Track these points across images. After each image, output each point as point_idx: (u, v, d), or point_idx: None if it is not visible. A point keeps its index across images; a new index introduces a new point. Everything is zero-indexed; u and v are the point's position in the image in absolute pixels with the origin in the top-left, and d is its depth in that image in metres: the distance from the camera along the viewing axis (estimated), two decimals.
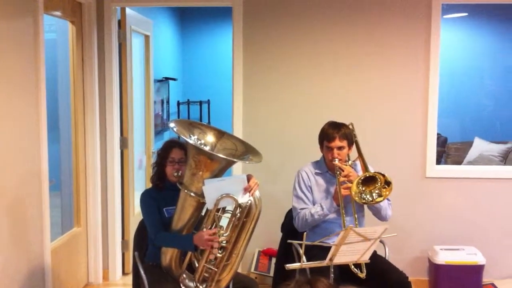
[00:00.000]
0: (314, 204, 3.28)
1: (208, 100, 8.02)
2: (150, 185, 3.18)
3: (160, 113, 6.44)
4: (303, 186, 3.32)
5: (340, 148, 3.20)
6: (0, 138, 2.95)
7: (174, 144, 3.08)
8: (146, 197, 3.07)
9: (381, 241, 3.12)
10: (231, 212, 2.88)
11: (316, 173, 3.35)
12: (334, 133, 3.22)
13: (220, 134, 3.02)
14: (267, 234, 3.91)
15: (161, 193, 3.06)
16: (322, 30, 4.16)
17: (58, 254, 3.76)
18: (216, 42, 8.07)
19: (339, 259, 2.71)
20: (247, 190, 2.81)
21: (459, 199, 4.23)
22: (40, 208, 3.40)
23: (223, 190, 2.79)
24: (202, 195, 2.82)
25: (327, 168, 3.32)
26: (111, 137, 4.30)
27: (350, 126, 3.33)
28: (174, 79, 7.17)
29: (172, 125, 2.86)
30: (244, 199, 2.82)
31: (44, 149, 3.40)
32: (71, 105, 4.16)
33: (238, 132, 4.21)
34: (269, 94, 4.24)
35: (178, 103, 7.48)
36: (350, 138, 3.25)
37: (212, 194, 2.78)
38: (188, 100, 7.63)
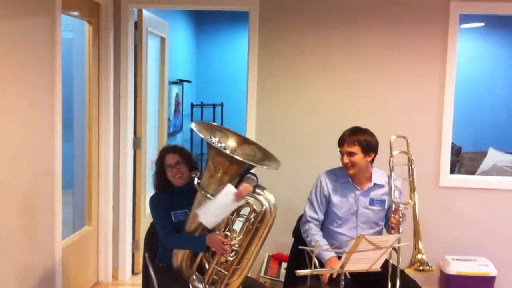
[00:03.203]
0: (324, 215, 3.27)
1: (222, 103, 8.02)
2: None
3: (174, 115, 6.45)
4: (319, 193, 3.29)
5: (350, 154, 3.15)
6: (15, 136, 2.97)
7: (166, 150, 3.13)
8: (156, 199, 3.09)
9: (394, 249, 3.10)
10: (245, 216, 2.88)
11: (336, 179, 3.30)
12: (344, 136, 3.20)
13: (242, 140, 3.03)
14: (277, 238, 3.88)
15: (170, 197, 3.08)
16: (338, 37, 4.15)
17: (69, 253, 3.77)
18: (231, 45, 8.07)
19: (350, 267, 2.69)
20: (238, 196, 2.79)
21: (472, 209, 4.20)
22: (52, 207, 3.42)
23: (217, 212, 2.78)
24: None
25: (344, 174, 3.28)
26: (125, 137, 4.32)
27: (406, 141, 3.25)
28: (188, 81, 7.18)
29: (193, 125, 2.88)
30: (239, 203, 2.81)
31: (58, 148, 3.41)
32: (85, 104, 4.18)
33: (251, 136, 4.20)
34: (283, 99, 4.24)
35: (192, 105, 7.48)
36: (368, 145, 3.16)
37: (210, 220, 2.80)
38: (202, 102, 7.63)
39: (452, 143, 4.27)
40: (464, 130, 7.24)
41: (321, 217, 3.28)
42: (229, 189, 2.79)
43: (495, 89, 7.59)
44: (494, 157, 6.79)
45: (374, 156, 3.23)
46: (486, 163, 6.75)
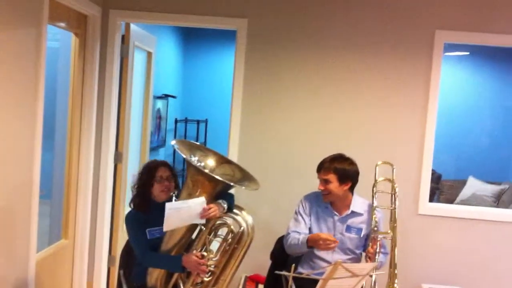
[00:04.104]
0: (309, 230, 3.27)
1: (206, 119, 8.03)
2: None
3: (157, 130, 6.43)
4: (302, 211, 3.30)
5: (325, 181, 3.16)
6: None
7: (159, 163, 3.08)
8: (132, 217, 3.04)
9: (370, 276, 3.09)
10: (222, 236, 2.87)
11: (316, 203, 3.31)
12: (323, 163, 3.21)
13: (221, 160, 3.04)
14: (255, 259, 3.86)
15: (145, 215, 3.03)
16: (323, 62, 4.18)
17: (44, 265, 3.71)
18: (217, 63, 8.11)
19: None
20: (204, 212, 2.78)
21: (450, 238, 4.22)
22: (29, 219, 3.37)
23: (182, 216, 2.78)
24: None
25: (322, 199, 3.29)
26: (106, 150, 4.28)
27: (392, 168, 3.26)
28: (173, 97, 7.18)
29: (173, 143, 2.88)
30: (200, 221, 2.82)
31: (37, 160, 3.37)
32: (68, 115, 4.15)
33: (233, 155, 4.20)
34: (267, 120, 4.24)
35: (176, 121, 7.47)
36: (345, 174, 3.16)
37: (172, 219, 2.78)
38: (186, 118, 7.62)
39: (433, 170, 4.30)
40: (445, 158, 7.32)
41: (305, 230, 3.27)
42: (202, 200, 2.78)
43: (477, 117, 7.68)
44: (473, 186, 6.86)
45: (353, 185, 3.23)
46: (465, 192, 6.81)
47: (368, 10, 4.13)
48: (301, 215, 3.30)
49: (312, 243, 3.10)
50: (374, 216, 3.17)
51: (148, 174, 3.04)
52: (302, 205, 3.33)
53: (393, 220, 3.17)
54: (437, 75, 4.14)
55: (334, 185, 3.16)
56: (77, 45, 4.05)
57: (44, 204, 3.96)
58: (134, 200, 3.08)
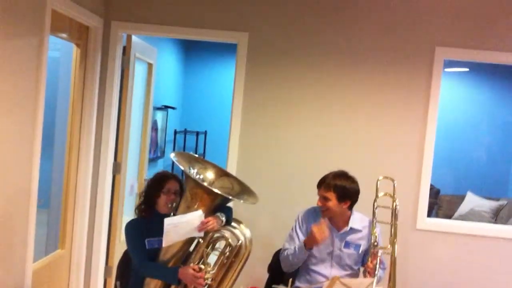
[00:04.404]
0: None
1: (205, 131, 8.04)
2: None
3: (156, 141, 6.43)
4: (298, 228, 3.29)
5: (324, 198, 3.15)
6: None
7: (170, 175, 3.09)
8: (131, 226, 3.05)
9: None
10: (220, 250, 2.87)
11: (315, 219, 3.28)
12: (323, 179, 3.20)
13: (220, 172, 3.04)
14: (252, 272, 3.85)
15: (146, 224, 3.04)
16: (324, 76, 4.20)
17: (40, 276, 3.70)
18: (217, 75, 8.15)
19: None
20: (202, 225, 2.79)
21: (448, 254, 4.21)
22: (26, 228, 3.36)
23: (180, 231, 2.79)
24: None
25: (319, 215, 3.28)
26: (105, 161, 4.28)
27: (393, 184, 3.27)
28: (173, 108, 7.20)
29: (172, 155, 2.88)
30: (198, 234, 2.83)
31: (35, 169, 3.37)
32: (68, 125, 4.15)
33: (232, 168, 4.20)
34: (266, 133, 4.25)
35: (175, 132, 7.48)
36: (344, 193, 3.14)
37: (171, 234, 2.79)
38: (185, 129, 7.63)
39: (431, 185, 4.30)
40: (444, 173, 7.33)
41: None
42: (199, 214, 2.78)
43: (476, 133, 7.70)
44: (472, 201, 6.86)
45: (352, 204, 3.22)
46: (464, 207, 6.81)
47: (369, 25, 4.16)
48: (296, 232, 3.29)
49: (309, 241, 3.10)
50: (374, 231, 3.16)
51: (157, 184, 3.05)
52: (299, 223, 3.31)
53: (393, 235, 3.16)
54: (437, 91, 4.16)
55: (333, 203, 3.14)
56: (79, 55, 4.07)
57: (42, 213, 3.96)
58: (139, 206, 3.10)
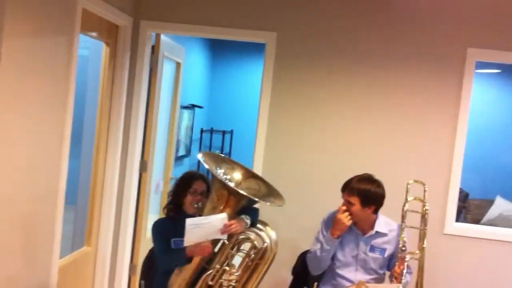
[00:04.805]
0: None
1: (232, 130, 8.04)
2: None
3: (182, 139, 6.46)
4: (324, 231, 3.25)
5: (348, 202, 3.11)
6: (23, 154, 2.97)
7: (197, 175, 3.11)
8: (159, 226, 3.07)
9: None
10: (245, 252, 2.85)
11: None
12: (348, 183, 3.15)
13: (248, 174, 3.02)
14: (276, 274, 3.83)
15: (173, 224, 3.04)
16: (353, 77, 4.15)
17: (65, 273, 3.73)
18: (244, 75, 8.13)
19: None
20: (225, 228, 2.77)
21: (475, 260, 4.13)
22: (53, 226, 3.39)
23: (203, 232, 2.76)
24: None
25: None
26: (132, 159, 4.31)
27: (424, 188, 3.21)
28: (200, 107, 7.21)
29: (200, 155, 2.88)
30: (221, 236, 2.80)
31: (64, 168, 3.40)
32: (96, 123, 4.19)
33: (258, 168, 4.18)
34: (293, 134, 4.22)
35: (202, 131, 7.50)
36: (368, 197, 3.09)
37: (193, 235, 2.77)
38: (212, 128, 7.65)
39: (460, 189, 4.22)
40: (473, 176, 7.19)
41: None
42: (223, 216, 2.77)
43: (507, 136, 7.56)
44: (501, 206, 6.71)
45: (377, 208, 3.17)
46: (492, 212, 6.67)
47: (401, 27, 4.09)
48: (323, 235, 3.25)
49: (335, 229, 3.10)
50: (402, 236, 3.11)
51: (184, 184, 3.07)
52: (324, 226, 3.28)
53: (421, 240, 3.11)
54: (468, 93, 4.08)
55: (356, 208, 3.09)
56: (108, 54, 4.09)
57: (69, 210, 4.00)
58: (167, 206, 3.13)
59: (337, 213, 3.09)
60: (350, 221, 3.08)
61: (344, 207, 3.09)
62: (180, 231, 2.97)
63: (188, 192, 3.03)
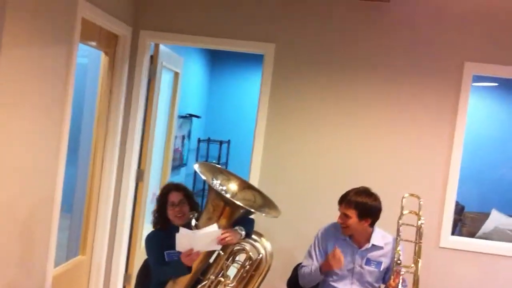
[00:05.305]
0: None
1: (229, 140, 8.05)
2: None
3: (179, 149, 6.46)
4: (317, 247, 3.26)
5: (345, 215, 3.11)
6: (20, 160, 2.97)
7: (170, 187, 3.11)
8: (152, 238, 3.06)
9: None
10: (240, 262, 2.85)
11: (335, 235, 3.25)
12: (345, 196, 3.15)
13: (243, 184, 3.02)
14: (271, 286, 3.83)
15: (165, 236, 3.03)
16: (350, 90, 4.17)
17: (60, 281, 3.72)
18: (242, 85, 8.16)
19: None
20: (219, 239, 2.75)
21: (471, 273, 4.13)
22: (48, 234, 3.39)
23: (195, 242, 2.76)
24: None
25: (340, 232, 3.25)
26: (128, 168, 4.30)
27: (419, 201, 3.22)
28: (198, 116, 7.22)
29: (196, 166, 2.88)
30: (216, 247, 2.80)
31: (60, 176, 3.39)
32: (93, 131, 4.19)
33: (254, 178, 4.19)
34: (290, 145, 4.23)
35: (199, 140, 7.51)
36: (365, 210, 3.09)
37: (183, 244, 2.77)
38: (209, 138, 7.66)
39: (456, 201, 4.23)
40: (469, 189, 7.20)
41: (317, 264, 3.23)
42: (214, 229, 2.76)
43: (503, 149, 7.57)
44: (496, 219, 6.72)
45: (373, 221, 3.17)
46: (488, 225, 6.68)
47: (398, 38, 4.12)
48: (315, 251, 3.26)
49: (325, 266, 3.10)
50: (398, 249, 3.12)
51: (162, 198, 3.09)
52: (318, 241, 3.28)
53: (417, 254, 3.11)
54: (465, 107, 4.09)
55: (353, 221, 3.10)
56: (106, 63, 4.10)
57: (64, 218, 3.99)
58: (155, 224, 3.13)
59: (330, 253, 3.10)
60: (339, 265, 3.09)
61: (336, 251, 3.09)
62: (172, 244, 2.97)
63: (168, 206, 3.04)
